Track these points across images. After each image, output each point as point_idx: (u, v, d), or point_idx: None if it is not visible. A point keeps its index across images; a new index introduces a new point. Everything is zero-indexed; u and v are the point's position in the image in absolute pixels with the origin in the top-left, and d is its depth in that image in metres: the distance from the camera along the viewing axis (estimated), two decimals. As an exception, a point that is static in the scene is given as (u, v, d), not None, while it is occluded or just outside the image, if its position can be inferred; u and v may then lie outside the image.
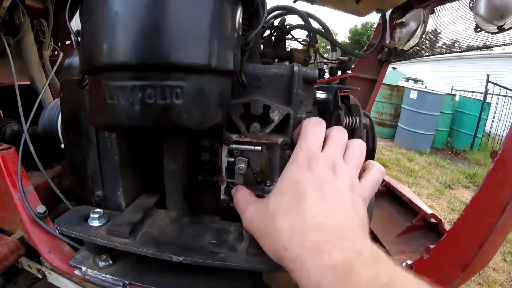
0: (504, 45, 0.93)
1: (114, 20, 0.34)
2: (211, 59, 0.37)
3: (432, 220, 0.88)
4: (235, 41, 0.41)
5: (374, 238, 0.87)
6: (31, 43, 1.23)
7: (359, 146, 0.48)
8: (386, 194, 1.08)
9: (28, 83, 1.23)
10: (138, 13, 0.33)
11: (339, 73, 0.98)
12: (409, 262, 0.65)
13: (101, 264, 0.52)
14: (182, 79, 0.35)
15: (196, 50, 0.35)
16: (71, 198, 0.70)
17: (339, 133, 0.49)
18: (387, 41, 1.21)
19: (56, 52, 1.37)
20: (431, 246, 0.53)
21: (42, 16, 1.29)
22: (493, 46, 0.97)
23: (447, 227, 0.85)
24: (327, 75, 1.02)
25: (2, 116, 1.25)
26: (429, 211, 0.90)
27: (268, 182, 0.58)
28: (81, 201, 0.62)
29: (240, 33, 0.44)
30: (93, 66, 0.37)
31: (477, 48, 1.01)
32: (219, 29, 0.37)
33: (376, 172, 0.47)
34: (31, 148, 0.75)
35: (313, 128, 0.47)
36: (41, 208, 0.67)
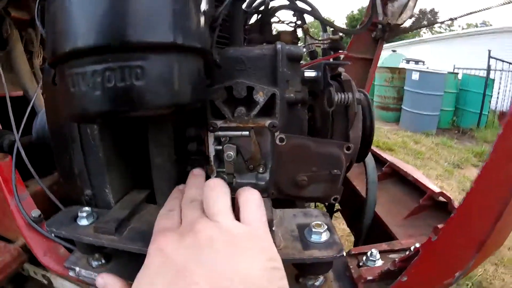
0: (507, 3, 0.88)
1: (68, 6, 0.32)
2: (172, 35, 0.34)
3: (441, 198, 0.84)
4: (200, 17, 0.39)
5: (380, 222, 0.84)
6: (21, 53, 1.22)
7: (209, 188, 0.41)
8: (390, 175, 1.04)
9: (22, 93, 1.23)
10: None
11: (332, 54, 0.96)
12: (417, 245, 0.62)
13: (94, 264, 0.51)
14: (141, 59, 0.33)
15: (154, 27, 0.33)
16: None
17: (192, 183, 0.46)
18: (380, 18, 1.17)
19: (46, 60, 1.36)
20: (440, 226, 0.49)
21: (29, 26, 1.29)
22: (493, 7, 0.92)
23: (457, 205, 0.81)
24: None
25: (0, 128, 1.25)
26: (436, 189, 0.86)
27: (261, 169, 0.56)
28: (73, 202, 0.61)
29: (207, 9, 0.41)
30: (55, 57, 0.36)
31: (475, 12, 0.97)
32: (179, 4, 0.35)
33: (247, 196, 0.41)
34: (23, 155, 0.75)
35: (165, 210, 0.44)
36: (35, 212, 0.67)
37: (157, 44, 0.34)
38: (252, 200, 0.40)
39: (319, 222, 0.48)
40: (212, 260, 0.31)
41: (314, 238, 0.46)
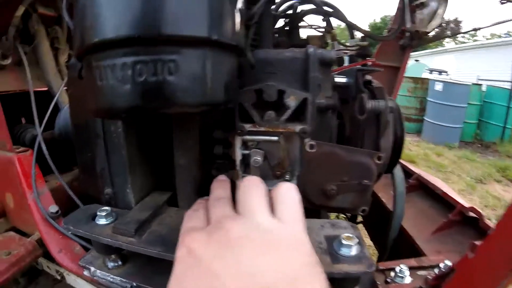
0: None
1: None
2: (208, 30, 0.32)
3: (471, 214, 0.80)
4: (236, 13, 0.37)
5: (406, 236, 0.80)
6: (47, 50, 1.24)
7: (247, 183, 0.39)
8: (418, 188, 1.00)
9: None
10: None
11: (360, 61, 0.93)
12: (448, 263, 0.58)
13: (110, 264, 0.50)
14: (175, 53, 0.31)
15: (190, 20, 0.31)
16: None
17: (218, 185, 0.43)
18: (408, 25, 1.13)
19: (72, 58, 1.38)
20: (477, 243, 0.45)
21: (56, 23, 1.31)
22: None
23: (488, 222, 0.76)
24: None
25: (24, 122, 1.27)
26: (466, 204, 0.81)
27: (287, 176, 0.54)
28: (92, 200, 0.60)
29: (242, 6, 0.39)
30: (83, 49, 0.34)
31: (503, 22, 0.92)
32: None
33: (284, 191, 0.38)
34: (45, 150, 0.75)
35: (192, 211, 0.40)
36: (53, 208, 0.66)
37: (193, 38, 0.32)
38: (289, 195, 0.38)
39: (350, 235, 0.45)
40: (244, 259, 0.29)
41: (344, 251, 0.43)
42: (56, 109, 0.91)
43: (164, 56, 0.31)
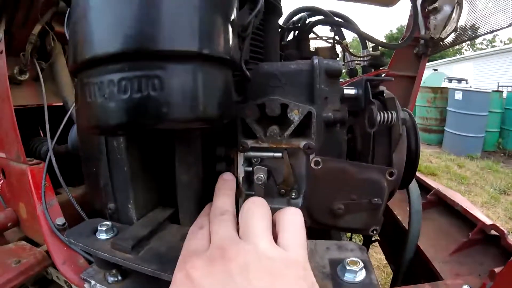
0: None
1: (87, 14, 0.31)
2: (193, 44, 0.31)
3: (493, 232, 0.75)
4: (228, 24, 0.36)
5: (423, 257, 0.75)
6: (63, 66, 1.28)
7: (250, 205, 0.38)
8: (436, 204, 0.94)
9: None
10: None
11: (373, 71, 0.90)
12: (467, 289, 0.53)
13: (110, 279, 0.49)
14: (159, 68, 0.31)
15: (178, 35, 0.31)
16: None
17: (222, 187, 0.43)
18: (422, 32, 1.10)
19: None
20: (496, 270, 0.41)
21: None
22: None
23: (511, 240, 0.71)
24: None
25: (42, 135, 1.31)
26: (488, 221, 0.76)
27: (294, 194, 0.52)
28: (98, 214, 0.60)
29: (234, 16, 0.38)
30: (74, 66, 0.34)
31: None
32: (202, 10, 0.32)
33: (289, 216, 0.37)
34: (54, 162, 0.76)
35: (195, 228, 0.40)
36: (60, 220, 0.67)
37: (182, 53, 0.31)
38: (293, 221, 0.37)
39: (354, 259, 0.42)
40: None
41: (348, 277, 0.40)
42: (71, 123, 0.93)
43: (147, 72, 0.30)
